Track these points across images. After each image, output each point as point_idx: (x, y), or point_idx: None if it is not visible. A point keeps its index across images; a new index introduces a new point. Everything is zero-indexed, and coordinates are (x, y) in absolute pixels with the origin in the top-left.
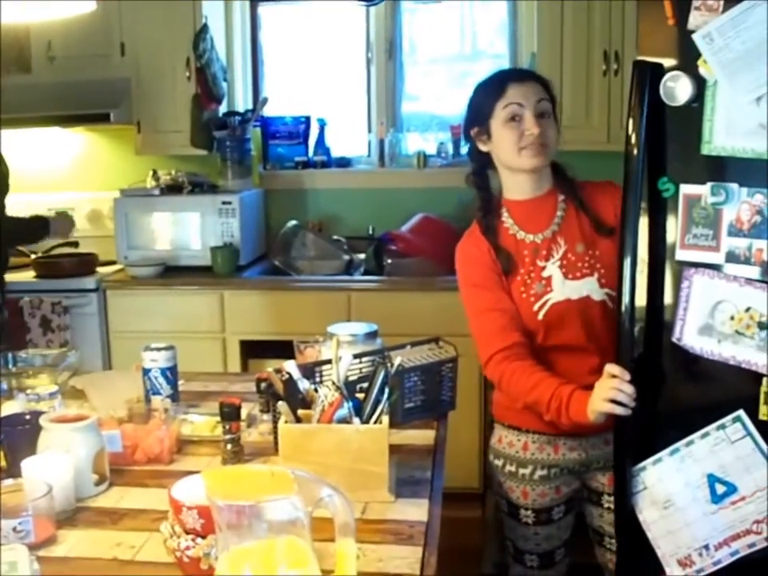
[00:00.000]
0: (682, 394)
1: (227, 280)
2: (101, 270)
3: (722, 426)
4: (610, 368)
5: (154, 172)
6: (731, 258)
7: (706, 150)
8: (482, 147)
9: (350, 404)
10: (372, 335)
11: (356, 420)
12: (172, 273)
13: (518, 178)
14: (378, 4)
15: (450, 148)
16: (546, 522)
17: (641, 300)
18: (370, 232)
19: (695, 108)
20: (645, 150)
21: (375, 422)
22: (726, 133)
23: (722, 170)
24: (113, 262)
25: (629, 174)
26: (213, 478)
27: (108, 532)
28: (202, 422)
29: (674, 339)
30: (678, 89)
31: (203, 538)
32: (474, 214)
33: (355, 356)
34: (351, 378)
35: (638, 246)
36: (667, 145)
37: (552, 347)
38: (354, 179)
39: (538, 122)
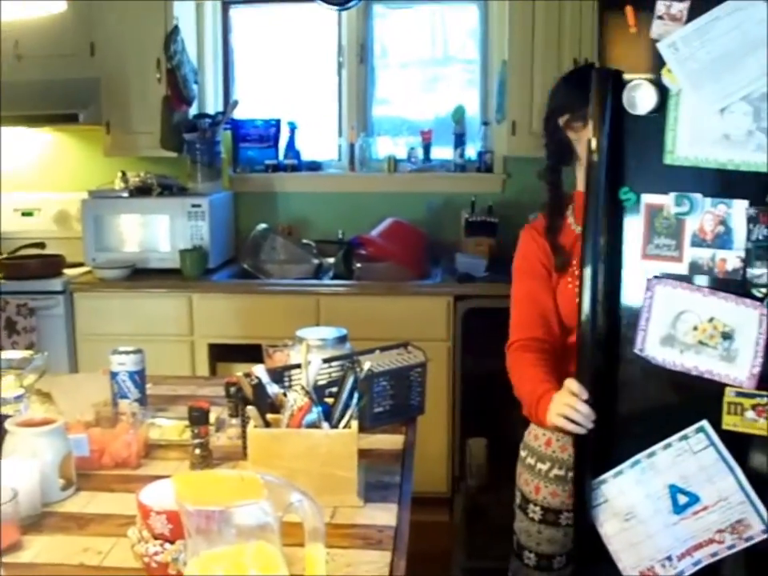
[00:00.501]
0: (643, 405)
1: (196, 283)
2: (68, 271)
3: (685, 437)
4: (569, 384)
5: (123, 173)
6: (694, 268)
7: (668, 159)
8: (573, 135)
9: (319, 408)
10: (341, 340)
11: (325, 424)
12: (140, 275)
13: None
14: (350, 8)
15: (421, 153)
16: (552, 524)
17: (603, 310)
18: (340, 236)
19: (658, 117)
20: (606, 159)
21: (344, 427)
22: (689, 143)
23: (685, 180)
24: (80, 264)
25: (590, 183)
26: (182, 483)
27: (74, 537)
28: (170, 426)
29: (636, 350)
30: (640, 97)
31: (171, 543)
32: (542, 208)
33: (324, 360)
34: (320, 383)
35: (600, 256)
36: (629, 154)
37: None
38: (324, 183)
39: None
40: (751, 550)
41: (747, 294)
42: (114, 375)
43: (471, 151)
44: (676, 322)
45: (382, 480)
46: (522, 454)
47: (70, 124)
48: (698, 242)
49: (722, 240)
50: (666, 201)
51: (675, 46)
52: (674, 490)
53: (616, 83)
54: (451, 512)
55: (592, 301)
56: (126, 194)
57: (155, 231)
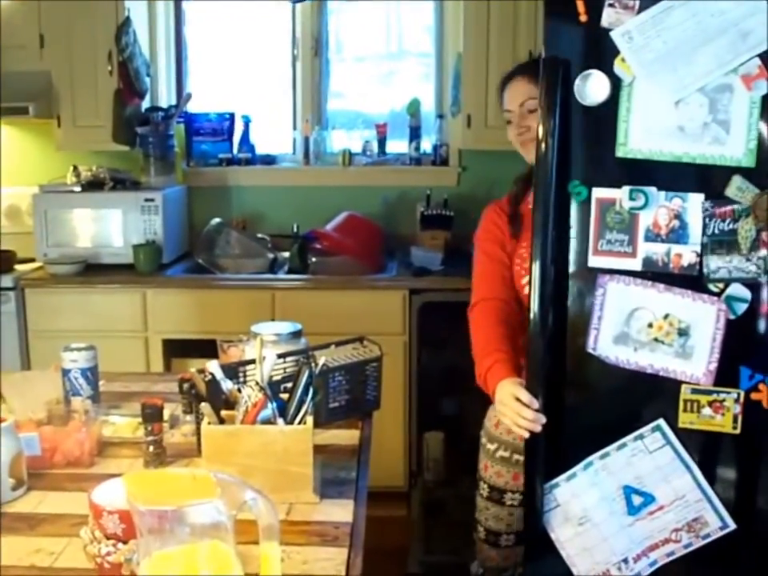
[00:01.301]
0: (597, 405)
1: (150, 278)
2: (19, 267)
3: (641, 437)
4: (518, 392)
5: (75, 168)
6: (648, 263)
7: (621, 152)
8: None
9: (274, 405)
10: (296, 335)
11: (280, 421)
12: (93, 271)
13: None
14: (304, 1)
15: (375, 146)
16: (497, 502)
17: (553, 309)
18: (295, 230)
19: (609, 109)
20: (555, 152)
21: (299, 423)
22: (642, 135)
23: (637, 173)
24: (32, 260)
25: (539, 177)
26: (134, 483)
27: (26, 538)
28: (123, 424)
29: (588, 349)
30: (591, 88)
31: (124, 543)
32: (515, 182)
33: (279, 356)
34: (275, 378)
35: (549, 253)
36: (579, 147)
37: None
38: (279, 177)
39: (525, 119)
40: (708, 548)
41: (704, 290)
42: (65, 372)
43: (426, 144)
44: (629, 320)
45: (338, 476)
46: (481, 432)
47: (19, 117)
48: (651, 237)
49: (677, 235)
50: (619, 195)
51: (630, 35)
52: (629, 491)
53: (566, 74)
54: (408, 506)
55: (541, 299)
56: (78, 189)
57: (108, 226)
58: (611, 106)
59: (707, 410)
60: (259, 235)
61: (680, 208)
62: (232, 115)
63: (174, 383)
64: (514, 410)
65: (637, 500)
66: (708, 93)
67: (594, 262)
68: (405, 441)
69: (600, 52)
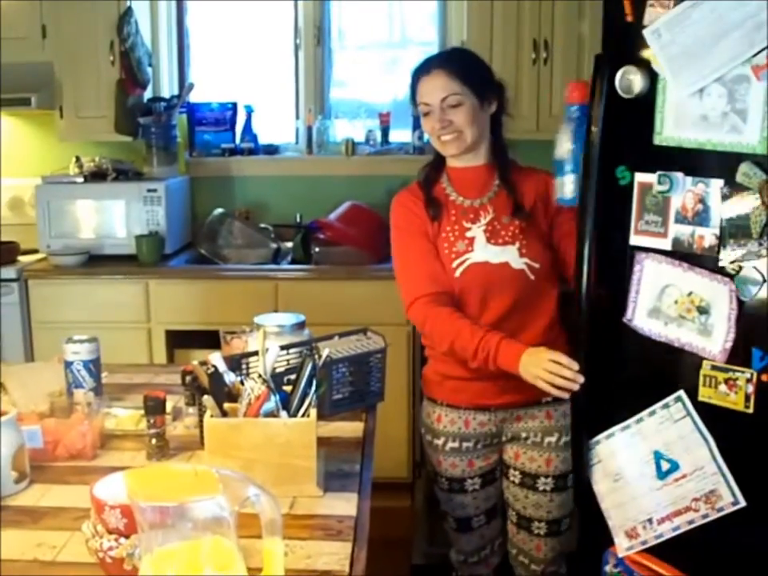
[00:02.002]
0: (633, 372)
1: (152, 269)
2: (22, 258)
3: (666, 406)
4: (558, 357)
5: (78, 158)
6: (676, 244)
7: (657, 140)
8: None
9: (277, 397)
10: (300, 326)
11: (283, 413)
12: (96, 262)
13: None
14: None
15: (379, 136)
16: (459, 491)
17: (598, 282)
18: (298, 220)
19: (648, 100)
20: (602, 140)
21: (303, 416)
22: (674, 124)
23: (670, 159)
24: (35, 251)
25: (588, 162)
26: (135, 478)
27: (28, 532)
28: (126, 416)
29: (625, 320)
30: (632, 82)
31: (126, 537)
32: (418, 174)
33: (282, 347)
34: (278, 370)
35: (596, 231)
36: (625, 135)
37: (466, 307)
38: (282, 166)
39: (446, 113)
40: (721, 521)
41: (720, 271)
42: (68, 365)
43: None
44: (661, 295)
45: (342, 469)
46: (422, 431)
47: (22, 108)
48: (680, 219)
49: (701, 218)
50: (653, 179)
51: (658, 32)
52: (658, 456)
53: (613, 69)
54: (412, 498)
55: (588, 273)
56: (80, 180)
57: (111, 217)
58: (650, 98)
59: (723, 387)
60: (262, 225)
61: (703, 192)
62: (234, 105)
63: (176, 375)
64: (554, 371)
65: (665, 465)
66: (726, 83)
67: (634, 240)
68: (409, 432)
69: (643, 49)
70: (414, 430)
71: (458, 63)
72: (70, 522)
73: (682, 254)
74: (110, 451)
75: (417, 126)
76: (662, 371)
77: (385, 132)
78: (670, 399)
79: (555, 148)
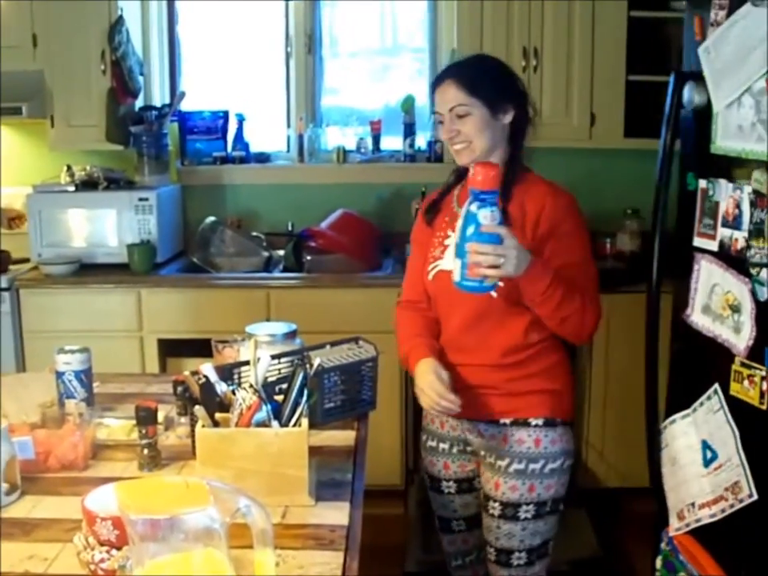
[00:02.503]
0: (689, 365)
1: (144, 278)
2: (13, 267)
3: (709, 398)
4: (439, 371)
5: (69, 167)
6: (721, 246)
7: (712, 149)
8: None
9: (269, 407)
10: (291, 335)
11: (275, 423)
12: (88, 271)
13: None
14: None
15: (370, 143)
16: (437, 491)
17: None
18: (290, 228)
19: (709, 112)
20: (669, 148)
21: (294, 425)
22: (722, 134)
23: (722, 167)
24: (26, 260)
25: (662, 168)
26: (125, 491)
27: (19, 544)
28: (117, 426)
29: (684, 315)
30: (695, 96)
31: (118, 549)
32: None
33: (273, 357)
34: (270, 379)
35: (666, 233)
36: (693, 145)
37: (438, 311)
38: (273, 175)
39: (454, 123)
40: (740, 513)
41: (746, 272)
42: (59, 375)
43: (421, 141)
44: (711, 294)
45: (334, 478)
46: (423, 437)
47: (13, 117)
48: (724, 223)
49: (737, 222)
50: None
51: (708, 49)
52: (705, 446)
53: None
54: (405, 505)
55: (658, 271)
56: (71, 189)
57: (102, 226)
58: (709, 110)
59: (746, 383)
60: (254, 234)
61: (739, 198)
62: (226, 113)
63: (169, 384)
64: (434, 390)
65: (709, 454)
66: (755, 95)
67: (695, 242)
68: (402, 439)
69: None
70: (407, 438)
71: (469, 73)
72: (62, 534)
73: (723, 255)
74: (101, 462)
75: (408, 133)
76: (712, 365)
77: (376, 139)
78: (710, 392)
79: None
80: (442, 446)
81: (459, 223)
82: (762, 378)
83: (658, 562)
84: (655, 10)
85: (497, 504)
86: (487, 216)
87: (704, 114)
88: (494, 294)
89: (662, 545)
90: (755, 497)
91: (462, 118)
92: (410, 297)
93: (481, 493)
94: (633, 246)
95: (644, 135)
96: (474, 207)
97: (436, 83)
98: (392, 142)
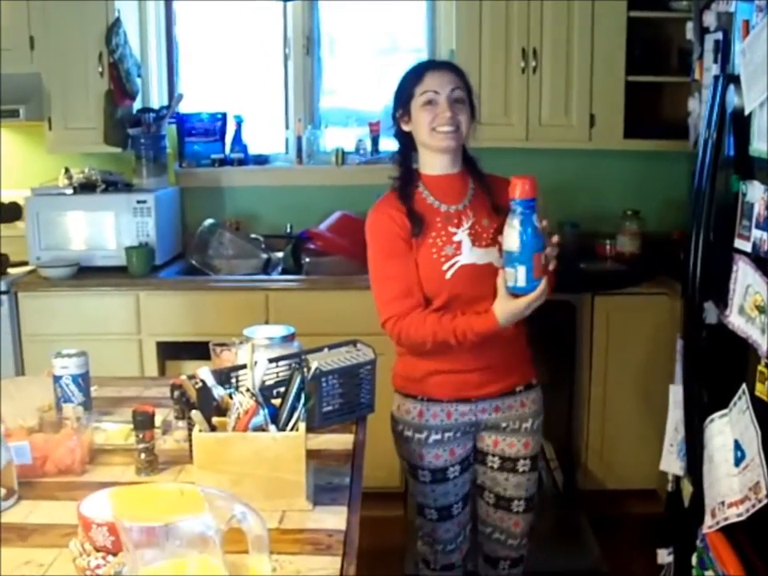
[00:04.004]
0: (725, 366)
1: (143, 280)
2: (12, 271)
3: (739, 398)
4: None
5: (67, 170)
6: (754, 247)
7: (750, 151)
8: (405, 127)
9: (266, 411)
10: (289, 338)
11: (272, 427)
12: (86, 273)
13: (434, 156)
14: None
15: (369, 145)
16: (442, 481)
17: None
18: (288, 230)
19: (749, 116)
20: (713, 151)
21: (292, 429)
22: (757, 136)
23: (756, 169)
24: (24, 263)
25: (702, 170)
26: (120, 498)
27: (16, 549)
28: (115, 430)
29: (722, 315)
30: (736, 100)
31: (114, 555)
32: (391, 184)
33: (271, 360)
34: (268, 383)
35: (709, 235)
36: (737, 146)
37: (455, 307)
38: (272, 177)
39: (451, 106)
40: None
41: None
42: (57, 379)
43: None
44: (746, 295)
45: (332, 482)
46: (398, 428)
47: (10, 120)
48: (758, 224)
49: (767, 223)
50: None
51: (744, 52)
52: (736, 445)
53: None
54: (405, 507)
55: (702, 273)
56: (69, 191)
57: (100, 228)
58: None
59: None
60: (252, 236)
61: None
62: (224, 115)
63: (166, 387)
64: (528, 301)
65: (739, 454)
66: None
67: (736, 243)
68: None
69: None
70: None
71: (460, 69)
72: (59, 539)
73: (755, 256)
74: (99, 466)
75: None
76: (745, 365)
77: (375, 141)
78: (740, 392)
79: (503, 240)
80: (447, 435)
81: (514, 234)
82: None
83: (694, 559)
84: (655, 10)
85: (527, 461)
86: (538, 220)
87: (746, 117)
88: None
89: (697, 542)
90: None
91: (458, 104)
92: (409, 303)
93: (492, 464)
94: (632, 248)
95: (644, 136)
96: (525, 216)
97: (428, 67)
98: (391, 143)
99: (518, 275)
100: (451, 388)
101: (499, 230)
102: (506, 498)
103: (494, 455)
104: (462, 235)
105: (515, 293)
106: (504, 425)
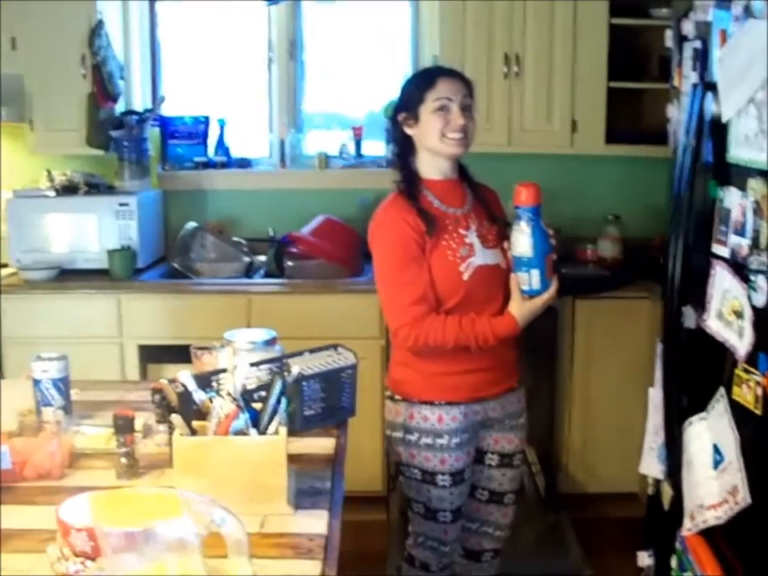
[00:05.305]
0: (703, 369)
1: (125, 283)
2: None
3: (717, 401)
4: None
5: (49, 172)
6: (731, 253)
7: (728, 158)
8: (408, 131)
9: (247, 415)
10: (271, 342)
11: (253, 431)
12: (68, 276)
13: (437, 161)
14: (280, 3)
15: (352, 149)
16: (460, 483)
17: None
18: (271, 234)
19: (726, 123)
20: (692, 157)
21: (272, 433)
22: (734, 143)
23: (734, 175)
24: (5, 266)
25: (680, 177)
26: (99, 502)
27: None
28: (95, 435)
29: (700, 320)
30: (714, 107)
31: (93, 560)
32: (397, 187)
33: (252, 364)
34: (249, 387)
35: (688, 240)
36: (714, 153)
37: (467, 308)
38: (255, 180)
39: (462, 117)
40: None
41: (746, 278)
42: (36, 383)
43: None
44: (723, 300)
45: (313, 486)
46: (411, 437)
47: None
48: (735, 230)
49: (744, 229)
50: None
51: (722, 61)
52: (715, 448)
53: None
54: (387, 511)
55: (681, 279)
56: (51, 194)
57: (82, 231)
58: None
59: (745, 387)
60: (235, 239)
61: (745, 206)
62: (207, 118)
63: (148, 391)
64: (544, 301)
65: (717, 457)
66: (758, 105)
67: (713, 248)
68: (382, 444)
69: None
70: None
71: (467, 78)
72: (37, 544)
73: (732, 261)
74: (79, 470)
75: (390, 139)
76: (722, 369)
77: (358, 145)
78: (718, 395)
79: (512, 246)
80: (464, 435)
81: (526, 239)
82: (757, 383)
83: (673, 562)
84: (636, 18)
85: (520, 455)
86: (546, 225)
87: (724, 124)
88: None
89: (677, 544)
90: (749, 501)
91: (465, 111)
92: (422, 309)
93: (491, 461)
94: (614, 253)
95: (625, 142)
96: (534, 221)
97: (441, 74)
98: (374, 147)
99: (532, 279)
100: (467, 389)
101: (499, 234)
102: (499, 493)
103: (492, 453)
104: (473, 237)
105: (530, 295)
106: (506, 421)
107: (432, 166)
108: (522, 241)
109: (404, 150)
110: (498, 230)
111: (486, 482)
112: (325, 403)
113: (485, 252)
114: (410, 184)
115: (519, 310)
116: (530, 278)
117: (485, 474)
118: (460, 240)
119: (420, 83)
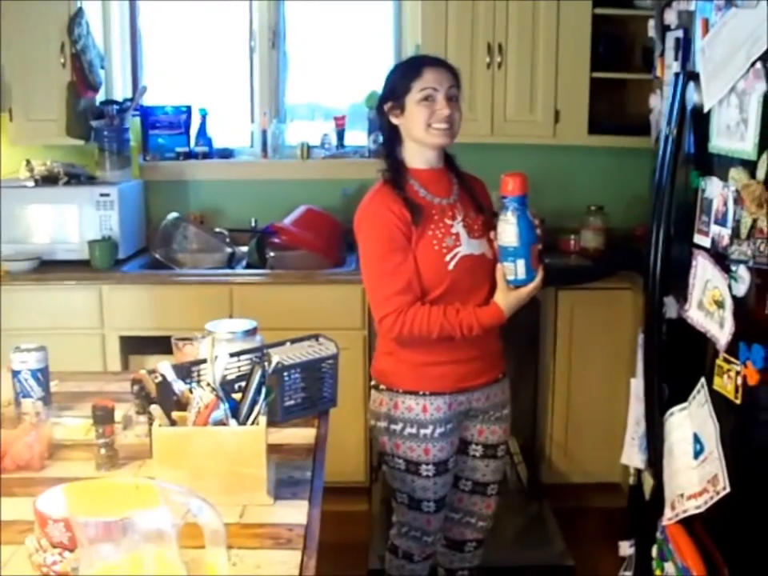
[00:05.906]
0: (685, 359)
1: (106, 274)
2: None
3: (698, 391)
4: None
5: (28, 162)
6: (712, 243)
7: (709, 148)
8: (394, 120)
9: (227, 405)
10: (251, 332)
11: (232, 422)
12: (48, 267)
13: (424, 151)
14: None
15: (334, 139)
16: (444, 473)
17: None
18: (253, 224)
19: (708, 113)
20: (674, 147)
21: (252, 423)
22: (716, 133)
23: (715, 165)
24: None
25: (662, 169)
26: (74, 493)
27: None
28: (75, 426)
29: (682, 310)
30: (694, 96)
31: (71, 551)
32: (383, 176)
33: (232, 354)
34: (229, 377)
35: (669, 230)
36: (696, 144)
37: (452, 297)
38: (237, 170)
39: (448, 107)
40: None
41: (727, 268)
42: (15, 374)
43: None
44: (705, 289)
45: (293, 476)
46: (395, 427)
47: None
48: (717, 220)
49: (724, 219)
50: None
51: (704, 50)
52: (695, 438)
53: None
54: (369, 501)
55: (663, 270)
56: (31, 184)
57: (63, 222)
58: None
59: (726, 377)
60: (217, 230)
61: (726, 196)
62: (189, 108)
63: (128, 382)
64: (528, 291)
65: (698, 447)
66: (738, 95)
67: (695, 239)
68: (365, 435)
69: None
70: (371, 434)
71: (454, 68)
72: (16, 536)
73: (714, 251)
74: (58, 462)
75: (372, 129)
76: (703, 359)
77: (340, 135)
78: (699, 385)
79: (498, 236)
80: (449, 426)
81: (512, 229)
82: (737, 373)
83: (654, 551)
84: (619, 8)
85: (504, 446)
86: (532, 215)
87: (705, 113)
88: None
89: (658, 533)
90: (728, 490)
91: (451, 102)
92: (407, 298)
93: (475, 452)
94: (596, 243)
95: (608, 132)
96: (520, 211)
97: (427, 63)
98: (356, 137)
99: (518, 269)
100: (452, 379)
101: (485, 224)
102: (482, 484)
103: (477, 444)
104: (458, 227)
105: (516, 285)
106: (491, 412)
107: (418, 155)
108: (508, 231)
109: (390, 139)
110: (485, 219)
111: (469, 473)
112: (305, 393)
113: (471, 242)
114: (396, 173)
115: (505, 299)
116: (515, 268)
117: (468, 465)
118: (446, 230)
119: (406, 73)
